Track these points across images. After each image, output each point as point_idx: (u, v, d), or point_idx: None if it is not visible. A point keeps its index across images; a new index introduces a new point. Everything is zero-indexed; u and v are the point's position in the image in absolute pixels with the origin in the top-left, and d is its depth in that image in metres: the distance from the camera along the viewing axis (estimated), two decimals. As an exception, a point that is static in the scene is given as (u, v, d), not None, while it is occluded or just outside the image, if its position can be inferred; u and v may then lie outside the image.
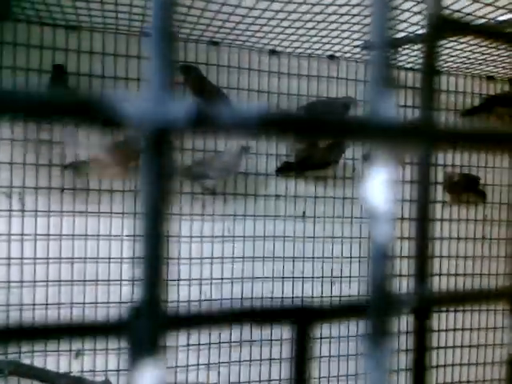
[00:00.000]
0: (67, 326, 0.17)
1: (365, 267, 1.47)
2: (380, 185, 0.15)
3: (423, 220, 0.28)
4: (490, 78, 1.63)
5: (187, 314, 0.20)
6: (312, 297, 1.46)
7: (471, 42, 1.32)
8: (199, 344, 1.38)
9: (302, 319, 0.23)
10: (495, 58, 1.44)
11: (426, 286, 0.29)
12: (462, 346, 1.61)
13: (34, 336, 0.18)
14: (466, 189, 1.57)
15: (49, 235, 1.28)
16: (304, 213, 1.47)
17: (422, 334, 0.24)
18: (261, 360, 1.43)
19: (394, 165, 0.15)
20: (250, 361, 1.42)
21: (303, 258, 1.46)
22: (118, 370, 1.30)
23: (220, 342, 1.40)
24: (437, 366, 1.55)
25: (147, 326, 0.15)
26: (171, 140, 0.15)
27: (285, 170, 1.44)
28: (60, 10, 1.17)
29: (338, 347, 1.48)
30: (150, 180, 0.15)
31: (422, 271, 0.29)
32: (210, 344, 1.39)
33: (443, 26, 0.19)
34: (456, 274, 1.58)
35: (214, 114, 0.15)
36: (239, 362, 1.42)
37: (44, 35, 1.26)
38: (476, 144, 0.17)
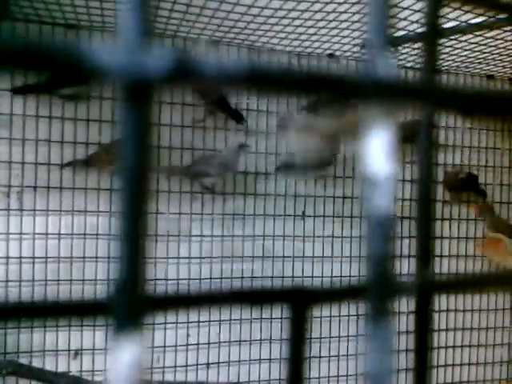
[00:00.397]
0: (48, 304, 0.17)
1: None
2: (379, 148, 0.14)
3: (425, 217, 0.28)
4: (490, 77, 1.62)
5: (176, 293, 0.19)
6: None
7: (471, 41, 1.31)
8: (198, 344, 1.37)
9: (298, 301, 0.22)
10: (495, 56, 1.43)
11: (429, 272, 0.29)
12: (462, 346, 1.60)
13: (19, 314, 0.17)
14: (467, 188, 1.57)
15: (47, 234, 1.27)
16: (303, 212, 1.46)
17: (423, 316, 0.23)
18: (260, 359, 1.42)
19: (393, 127, 0.14)
20: (250, 360, 1.42)
21: (303, 257, 1.45)
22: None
23: (219, 342, 1.39)
24: (437, 366, 1.54)
25: (125, 303, 0.15)
26: (150, 93, 0.14)
27: (284, 169, 1.43)
28: (59, 9, 1.17)
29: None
30: (126, 136, 0.14)
31: (424, 267, 0.29)
32: (209, 344, 1.38)
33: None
34: (456, 274, 1.57)
35: (196, 66, 0.14)
36: (238, 361, 1.41)
37: (43, 34, 1.26)
38: (478, 107, 0.17)
